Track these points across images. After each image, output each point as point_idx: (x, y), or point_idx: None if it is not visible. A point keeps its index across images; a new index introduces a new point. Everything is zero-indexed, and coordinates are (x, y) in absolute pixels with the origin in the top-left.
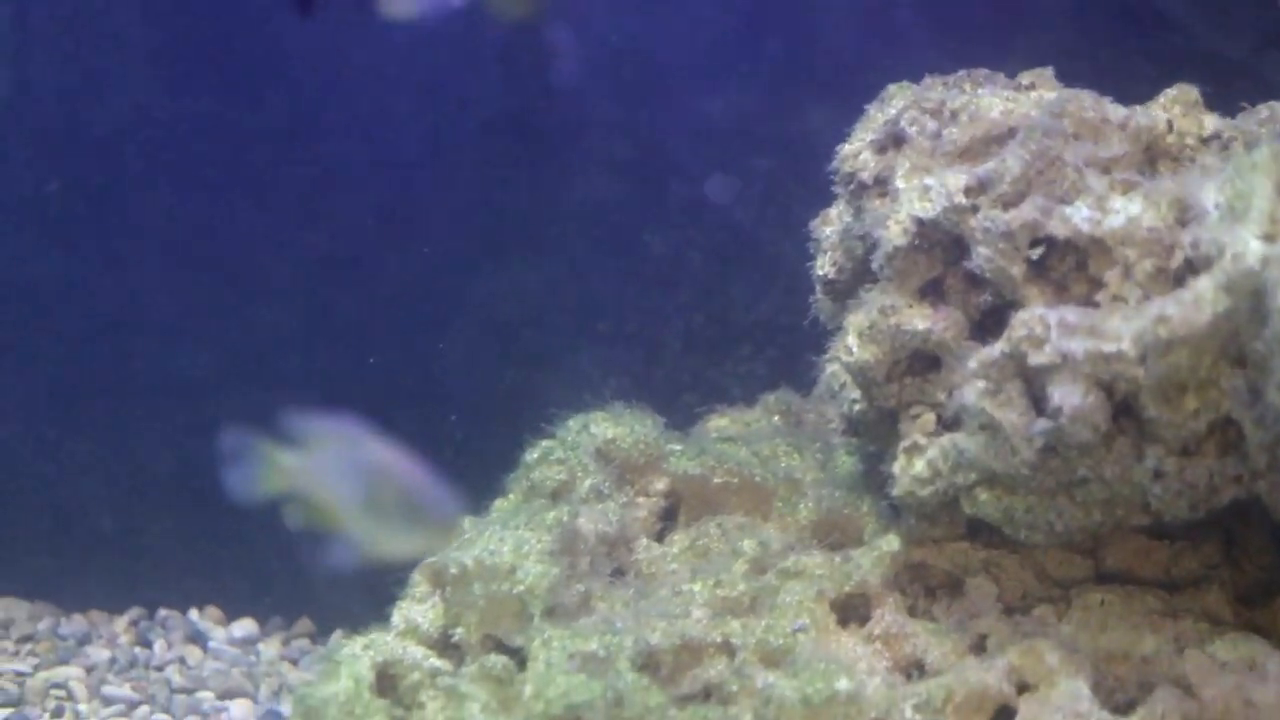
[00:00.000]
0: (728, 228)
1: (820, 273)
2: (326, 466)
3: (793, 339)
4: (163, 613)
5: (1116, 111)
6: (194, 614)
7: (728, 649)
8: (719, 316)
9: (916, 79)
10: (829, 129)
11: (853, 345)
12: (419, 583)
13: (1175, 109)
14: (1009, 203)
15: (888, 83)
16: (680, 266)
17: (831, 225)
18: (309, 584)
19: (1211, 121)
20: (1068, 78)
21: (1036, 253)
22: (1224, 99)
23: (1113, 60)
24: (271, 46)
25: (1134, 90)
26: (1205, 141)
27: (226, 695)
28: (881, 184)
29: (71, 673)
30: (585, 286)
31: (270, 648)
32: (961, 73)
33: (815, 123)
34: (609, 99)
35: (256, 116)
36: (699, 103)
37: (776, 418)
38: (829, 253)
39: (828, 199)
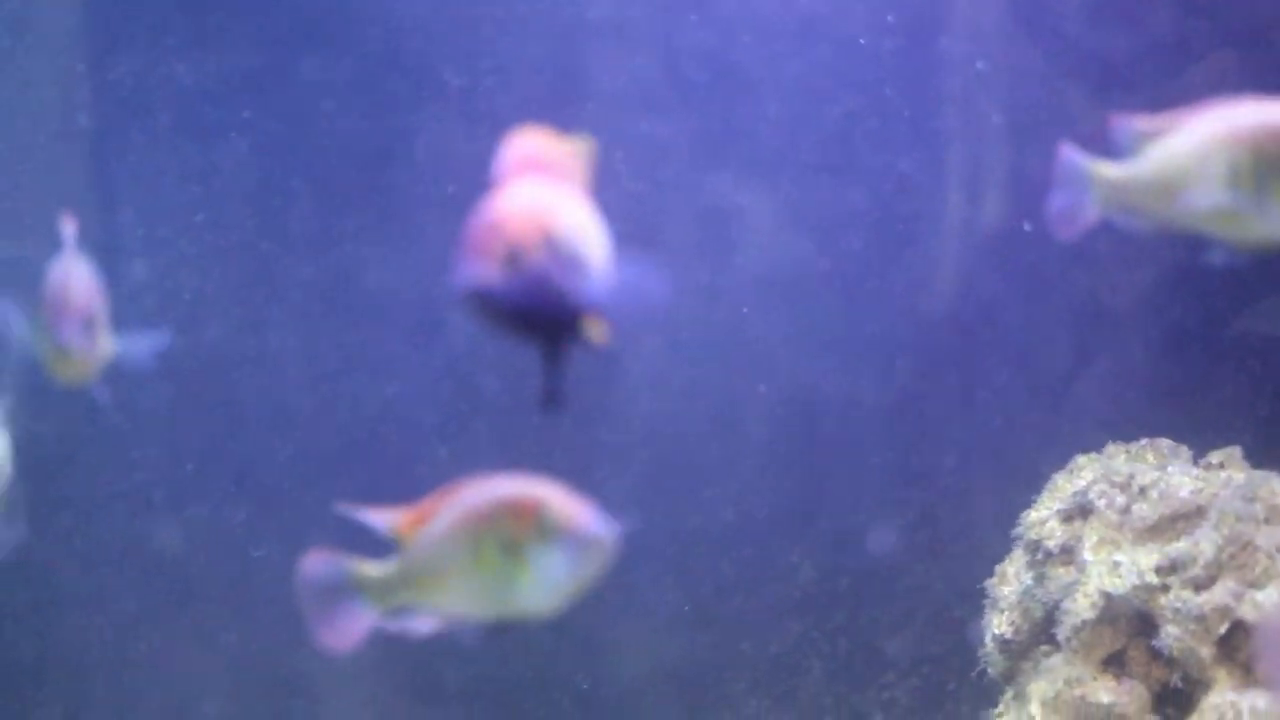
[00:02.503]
0: (873, 557)
1: (997, 631)
2: None
3: (935, 670)
4: None
5: None
6: None
7: None
8: (864, 643)
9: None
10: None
11: (1035, 714)
12: None
13: None
14: (1201, 585)
15: None
16: (827, 592)
17: (1009, 585)
18: None
19: None
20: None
21: (1224, 627)
22: None
23: None
24: None
25: None
26: None
27: None
28: (1067, 553)
29: None
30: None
31: None
32: (1143, 441)
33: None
34: None
35: None
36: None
37: None
38: (1006, 612)
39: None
